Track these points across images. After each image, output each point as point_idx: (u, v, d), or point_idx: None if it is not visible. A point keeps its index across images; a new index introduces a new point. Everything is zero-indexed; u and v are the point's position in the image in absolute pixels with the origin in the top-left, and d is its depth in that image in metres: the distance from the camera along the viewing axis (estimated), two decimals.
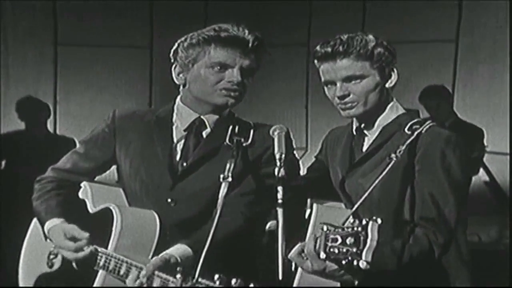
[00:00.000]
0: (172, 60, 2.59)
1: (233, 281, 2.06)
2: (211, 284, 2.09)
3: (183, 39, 2.56)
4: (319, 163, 2.76)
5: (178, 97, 2.63)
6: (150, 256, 2.42)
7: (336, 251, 2.01)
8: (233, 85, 2.49)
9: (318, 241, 2.11)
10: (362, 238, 1.99)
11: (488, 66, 6.79)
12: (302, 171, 2.75)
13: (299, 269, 2.34)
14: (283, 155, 2.26)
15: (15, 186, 4.67)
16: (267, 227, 2.54)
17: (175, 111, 2.62)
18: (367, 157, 2.51)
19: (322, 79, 2.53)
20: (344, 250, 2.00)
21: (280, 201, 2.16)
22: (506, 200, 5.79)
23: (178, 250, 2.38)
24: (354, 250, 1.98)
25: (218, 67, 2.49)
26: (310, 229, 2.43)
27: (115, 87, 6.89)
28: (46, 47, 7.10)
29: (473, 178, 5.48)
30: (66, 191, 2.63)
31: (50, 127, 6.13)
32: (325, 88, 2.54)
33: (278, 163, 2.24)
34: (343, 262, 2.02)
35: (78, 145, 2.73)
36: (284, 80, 6.93)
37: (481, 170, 5.71)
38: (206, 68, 2.50)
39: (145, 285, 2.30)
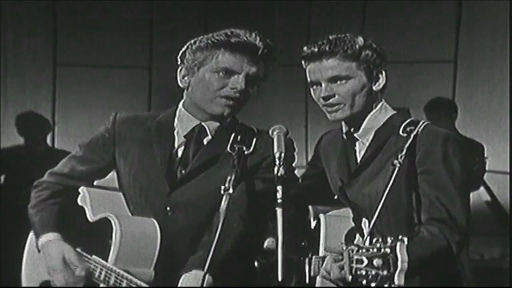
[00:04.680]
0: (179, 62, 2.55)
1: None
2: None
3: (192, 41, 2.52)
4: (313, 170, 2.72)
5: (181, 102, 2.60)
6: (152, 267, 2.39)
7: (364, 273, 1.95)
8: (236, 93, 2.45)
9: (343, 264, 2.05)
10: (391, 260, 1.92)
11: (487, 86, 6.80)
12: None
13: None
14: (283, 154, 2.23)
15: (15, 200, 4.66)
16: (264, 245, 2.52)
17: (177, 116, 2.58)
18: (366, 164, 2.47)
19: (308, 80, 2.49)
20: (373, 273, 1.93)
21: (279, 200, 2.14)
22: (507, 219, 5.77)
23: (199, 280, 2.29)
24: (385, 273, 1.92)
25: (224, 73, 2.46)
26: (322, 241, 2.40)
27: (114, 107, 6.84)
28: (45, 68, 7.10)
29: (474, 198, 5.50)
30: (62, 199, 2.59)
31: None
32: (311, 90, 2.49)
33: (277, 162, 2.21)
34: (372, 284, 1.95)
35: (77, 148, 2.67)
36: (284, 100, 6.93)
37: (482, 189, 5.70)
38: (211, 73, 2.47)
39: None
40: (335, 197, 2.60)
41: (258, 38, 2.46)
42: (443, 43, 6.91)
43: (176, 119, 2.58)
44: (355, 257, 1.97)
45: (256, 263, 2.57)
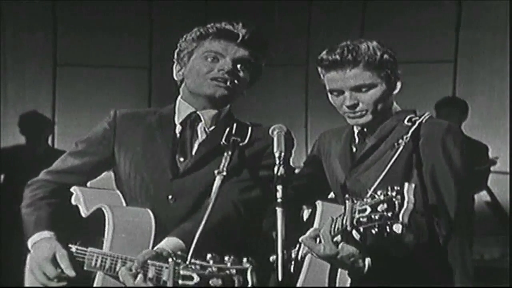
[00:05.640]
0: (175, 59, 2.63)
1: (226, 258, 2.03)
2: (205, 263, 2.03)
3: (182, 38, 2.61)
4: (309, 169, 2.75)
5: (179, 96, 2.65)
6: None
7: (366, 220, 1.94)
8: (224, 74, 2.51)
9: (343, 217, 2.06)
10: (397, 202, 1.92)
11: (487, 86, 6.80)
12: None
13: (303, 270, 2.35)
14: (283, 154, 2.25)
15: (14, 200, 4.67)
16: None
17: (176, 107, 2.63)
18: (368, 153, 2.52)
19: (328, 87, 2.53)
20: (377, 217, 1.93)
21: (279, 200, 2.15)
22: (507, 219, 5.77)
23: (170, 243, 2.36)
24: (389, 214, 1.91)
25: (211, 58, 2.53)
26: (316, 225, 2.41)
27: (114, 107, 6.86)
28: (45, 68, 7.10)
29: (475, 199, 5.50)
30: (57, 199, 2.59)
31: None
32: (330, 96, 2.54)
33: (277, 162, 2.23)
34: (373, 231, 1.96)
35: (73, 146, 2.68)
36: (284, 100, 6.94)
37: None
38: (200, 59, 2.54)
39: (139, 276, 2.26)
40: (331, 194, 2.62)
41: (240, 25, 2.54)
42: (443, 43, 6.91)
43: (176, 111, 2.62)
44: (358, 208, 1.98)
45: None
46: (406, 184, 1.97)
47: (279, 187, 2.17)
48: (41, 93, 7.10)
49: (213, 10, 6.82)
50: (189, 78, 2.57)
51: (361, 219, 1.98)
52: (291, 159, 2.57)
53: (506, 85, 6.44)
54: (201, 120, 2.58)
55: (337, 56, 2.45)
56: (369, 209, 1.97)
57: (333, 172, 2.62)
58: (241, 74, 2.54)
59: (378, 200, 1.97)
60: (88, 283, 2.42)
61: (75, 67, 7.14)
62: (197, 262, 2.05)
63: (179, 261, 2.06)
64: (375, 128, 2.55)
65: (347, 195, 2.12)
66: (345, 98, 2.48)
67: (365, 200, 2.00)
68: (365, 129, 2.55)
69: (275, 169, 2.21)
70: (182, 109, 2.60)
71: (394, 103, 2.58)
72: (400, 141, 2.39)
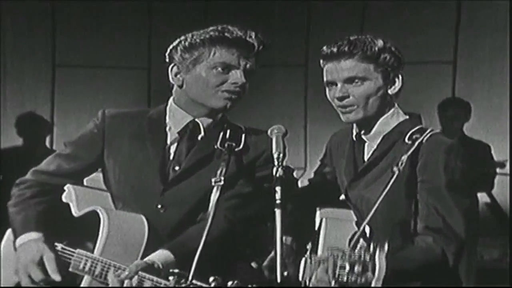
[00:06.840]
0: (168, 59, 2.54)
1: (229, 283, 2.01)
2: (206, 286, 2.02)
3: (183, 38, 2.51)
4: (325, 167, 2.73)
5: (171, 98, 2.57)
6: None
7: (345, 279, 1.98)
8: (236, 87, 2.45)
9: (328, 268, 2.06)
10: (370, 267, 1.95)
11: (486, 87, 6.79)
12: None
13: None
14: (281, 155, 2.22)
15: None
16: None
17: (168, 113, 2.55)
18: (369, 168, 2.48)
19: (325, 80, 2.49)
20: (353, 279, 1.97)
21: (278, 201, 2.12)
22: (506, 220, 5.77)
23: (160, 256, 2.33)
24: (363, 280, 1.95)
25: (221, 68, 2.45)
26: (320, 245, 2.40)
27: (113, 108, 6.86)
28: (44, 69, 7.09)
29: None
30: (47, 198, 2.54)
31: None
32: (327, 89, 2.50)
33: (276, 163, 2.20)
34: None
35: (63, 147, 2.64)
36: (283, 100, 6.93)
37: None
38: (208, 69, 2.46)
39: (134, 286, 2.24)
40: (342, 197, 2.60)
41: (253, 35, 2.47)
42: (443, 43, 6.90)
43: (167, 117, 2.56)
44: (339, 263, 2.00)
45: (253, 264, 2.56)
46: (377, 251, 1.97)
47: (277, 189, 2.15)
48: (40, 94, 7.08)
49: (213, 10, 6.81)
50: (192, 86, 2.49)
51: (340, 277, 1.99)
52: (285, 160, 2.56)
53: (506, 85, 6.43)
54: (200, 130, 2.52)
55: (335, 48, 2.42)
56: (348, 267, 1.98)
57: (340, 177, 2.60)
58: (247, 84, 2.49)
59: (355, 259, 1.98)
60: (74, 283, 2.38)
61: (74, 68, 7.13)
62: (198, 283, 2.04)
63: (178, 278, 2.04)
64: (370, 128, 2.50)
65: (328, 249, 2.11)
66: (336, 90, 2.45)
67: (344, 256, 2.00)
68: (362, 131, 2.51)
69: (274, 170, 2.19)
70: (178, 116, 2.53)
71: (396, 106, 2.51)
72: (395, 168, 2.34)
